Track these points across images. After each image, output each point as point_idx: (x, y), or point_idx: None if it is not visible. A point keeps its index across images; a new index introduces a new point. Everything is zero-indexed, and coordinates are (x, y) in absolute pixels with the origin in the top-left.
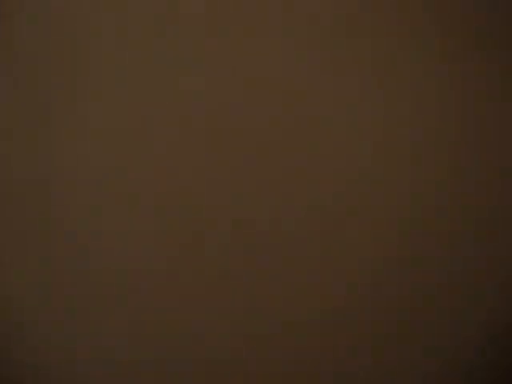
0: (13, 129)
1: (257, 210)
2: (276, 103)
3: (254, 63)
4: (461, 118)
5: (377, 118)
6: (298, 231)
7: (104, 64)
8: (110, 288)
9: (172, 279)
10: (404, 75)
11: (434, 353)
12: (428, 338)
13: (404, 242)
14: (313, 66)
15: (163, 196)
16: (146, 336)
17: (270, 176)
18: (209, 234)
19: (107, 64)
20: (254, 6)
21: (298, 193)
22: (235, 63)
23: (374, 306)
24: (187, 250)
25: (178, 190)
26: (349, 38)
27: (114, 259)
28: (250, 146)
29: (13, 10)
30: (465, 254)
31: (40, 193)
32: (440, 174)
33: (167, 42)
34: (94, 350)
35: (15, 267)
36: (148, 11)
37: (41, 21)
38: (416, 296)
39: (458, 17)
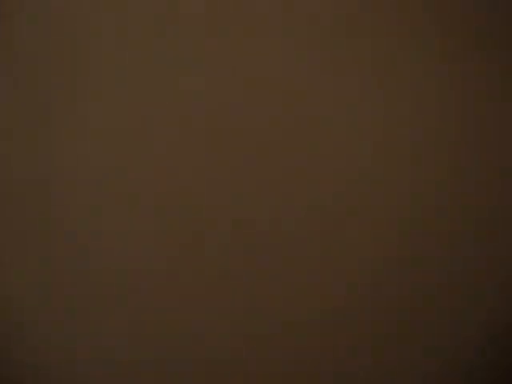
0: (13, 129)
1: (257, 209)
2: (276, 103)
3: (253, 63)
4: (461, 118)
5: (377, 117)
6: (297, 231)
7: (104, 64)
8: (109, 288)
9: (172, 279)
10: (404, 75)
11: (433, 353)
12: (428, 338)
13: (404, 242)
14: (313, 66)
15: (163, 196)
16: (146, 336)
17: (270, 176)
18: (209, 233)
19: (107, 64)
20: (253, 5)
21: (298, 193)
22: (235, 63)
23: (374, 305)
24: (187, 249)
25: (178, 189)
26: (349, 38)
27: (114, 259)
28: (250, 146)
29: (13, 10)
30: (465, 254)
31: (40, 193)
32: (440, 174)
33: (167, 42)
34: (93, 350)
35: (15, 267)
36: (148, 11)
37: (41, 21)
38: (416, 296)
39: (458, 17)
